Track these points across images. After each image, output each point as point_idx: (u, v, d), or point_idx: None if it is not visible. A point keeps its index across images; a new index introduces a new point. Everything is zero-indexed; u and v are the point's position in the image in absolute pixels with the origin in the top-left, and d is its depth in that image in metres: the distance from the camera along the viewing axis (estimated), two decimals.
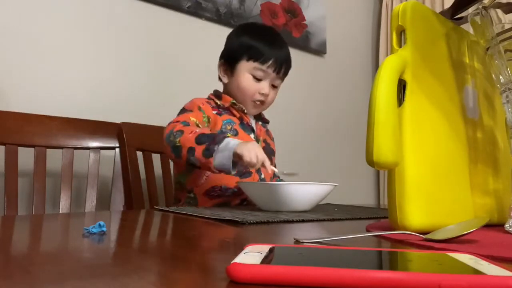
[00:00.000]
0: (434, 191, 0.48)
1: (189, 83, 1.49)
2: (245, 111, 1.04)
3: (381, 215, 0.73)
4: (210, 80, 1.10)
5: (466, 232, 0.39)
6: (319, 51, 2.00)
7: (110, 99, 1.33)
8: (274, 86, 1.05)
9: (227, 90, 1.06)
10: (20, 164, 0.99)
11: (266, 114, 1.15)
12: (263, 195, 0.76)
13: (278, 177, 1.12)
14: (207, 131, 0.89)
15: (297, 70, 1.85)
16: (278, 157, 1.17)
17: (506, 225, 0.48)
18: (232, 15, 1.64)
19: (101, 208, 1.16)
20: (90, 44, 1.32)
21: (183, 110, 1.00)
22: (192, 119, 0.96)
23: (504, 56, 0.48)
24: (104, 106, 1.31)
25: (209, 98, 1.05)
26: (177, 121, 0.94)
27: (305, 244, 0.38)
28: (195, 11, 1.54)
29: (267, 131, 1.15)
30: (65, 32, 1.27)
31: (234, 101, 1.03)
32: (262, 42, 1.01)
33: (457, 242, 0.39)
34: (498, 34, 0.48)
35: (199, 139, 0.84)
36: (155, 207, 0.84)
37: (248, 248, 0.29)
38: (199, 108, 0.99)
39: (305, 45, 1.92)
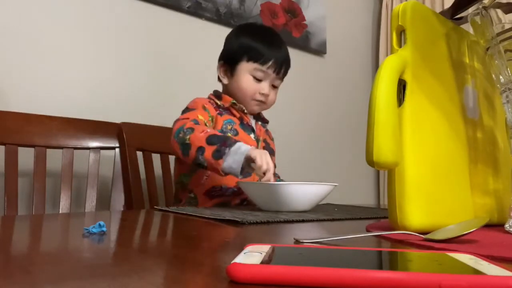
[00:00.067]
0: (434, 191, 0.48)
1: (189, 83, 1.49)
2: (245, 111, 1.05)
3: (381, 215, 0.73)
4: (210, 80, 1.10)
5: (466, 232, 0.39)
6: (319, 51, 2.00)
7: (110, 99, 1.33)
8: (274, 86, 1.05)
9: (227, 90, 1.06)
10: (20, 164, 0.99)
11: (266, 114, 1.15)
12: (263, 195, 0.76)
13: (279, 176, 1.12)
14: (218, 132, 0.89)
15: (297, 70, 1.85)
16: (278, 157, 1.17)
17: (506, 225, 0.48)
18: (232, 15, 1.64)
19: (101, 208, 1.16)
20: (90, 44, 1.32)
21: (188, 109, 1.00)
22: (201, 117, 0.96)
23: (504, 56, 0.48)
24: (104, 106, 1.31)
25: (209, 98, 1.05)
26: (187, 118, 0.93)
27: (305, 244, 0.38)
28: (195, 11, 1.54)
29: (267, 131, 1.15)
30: (65, 32, 1.27)
31: (234, 101, 1.03)
32: (262, 43, 1.01)
33: (457, 242, 0.39)
34: (498, 34, 0.48)
35: (210, 140, 0.84)
36: (155, 207, 0.84)
37: (248, 248, 0.29)
38: (204, 108, 0.99)
39: (305, 45, 1.92)
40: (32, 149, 1.01)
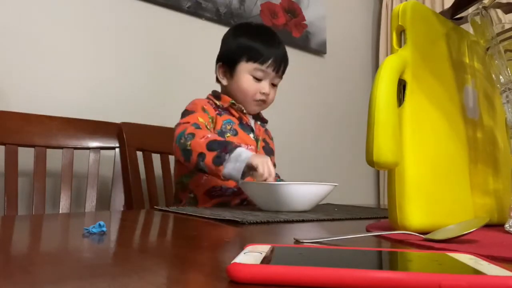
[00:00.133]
0: (434, 191, 0.48)
1: (189, 83, 1.49)
2: (244, 111, 1.05)
3: (381, 215, 0.73)
4: (210, 80, 1.10)
5: (466, 232, 0.39)
6: (319, 51, 2.00)
7: (110, 99, 1.33)
8: (273, 85, 1.06)
9: (226, 91, 1.06)
10: (20, 164, 0.99)
11: (266, 113, 1.15)
12: (263, 195, 0.76)
13: (279, 176, 1.12)
14: (218, 137, 0.89)
15: (297, 70, 1.86)
16: (278, 157, 1.17)
17: (506, 225, 0.48)
18: (232, 15, 1.64)
19: (101, 208, 1.16)
20: (90, 44, 1.32)
21: (187, 112, 1.00)
22: (201, 120, 0.96)
23: (504, 56, 0.48)
24: (104, 106, 1.31)
25: (208, 98, 1.05)
26: (187, 122, 0.94)
27: (305, 244, 0.38)
28: (195, 11, 1.54)
29: (266, 130, 1.15)
30: (65, 32, 1.27)
31: (233, 101, 1.03)
32: (260, 42, 1.01)
33: (457, 242, 0.39)
34: (498, 34, 0.48)
35: (211, 146, 0.84)
36: (155, 207, 0.84)
37: (248, 248, 0.29)
38: (203, 109, 0.99)
39: (305, 45, 1.92)
40: (32, 149, 1.02)
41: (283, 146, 1.39)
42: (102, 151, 1.13)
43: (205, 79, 1.18)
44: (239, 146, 0.85)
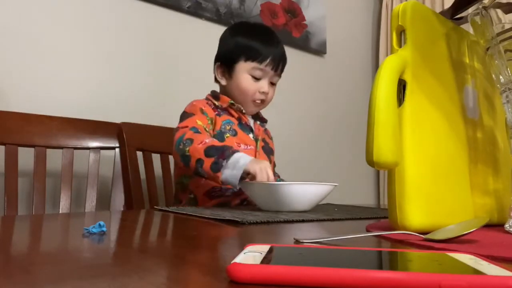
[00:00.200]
0: (434, 191, 0.48)
1: (189, 83, 1.49)
2: (243, 111, 1.05)
3: (381, 215, 0.73)
4: (210, 80, 1.10)
5: (466, 232, 0.39)
6: (319, 51, 2.00)
7: (110, 99, 1.33)
8: (272, 84, 1.06)
9: (225, 91, 1.06)
10: (20, 164, 0.99)
11: (266, 113, 1.15)
12: (263, 195, 0.76)
13: (279, 176, 1.12)
14: (216, 142, 0.89)
15: (297, 70, 1.86)
16: (278, 157, 1.17)
17: (506, 225, 0.48)
18: (232, 15, 1.64)
19: (101, 208, 1.16)
20: (90, 44, 1.32)
21: (186, 114, 0.99)
22: (199, 123, 0.96)
23: (504, 56, 0.48)
24: (104, 106, 1.31)
25: (207, 99, 1.05)
26: (186, 127, 0.94)
27: (305, 244, 0.38)
28: (195, 11, 1.54)
29: (266, 130, 1.15)
30: (65, 32, 1.27)
31: (232, 102, 1.03)
32: (258, 41, 1.01)
33: (457, 242, 0.39)
34: (498, 34, 0.48)
35: (208, 152, 0.85)
36: (155, 207, 0.84)
37: (248, 248, 0.29)
38: (202, 111, 0.99)
39: (305, 45, 1.92)
40: (32, 149, 1.01)
41: (283, 146, 1.39)
42: (102, 151, 1.13)
43: (205, 79, 1.18)
44: (237, 151, 0.85)
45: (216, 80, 1.08)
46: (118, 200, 1.13)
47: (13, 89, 1.16)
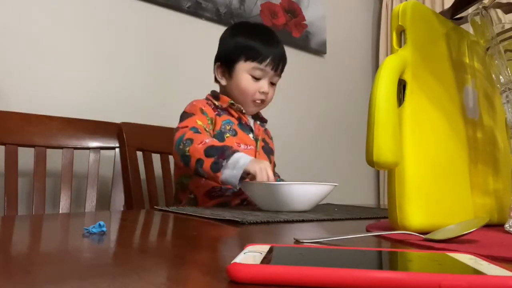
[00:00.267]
0: (434, 191, 0.48)
1: (189, 83, 1.49)
2: (243, 111, 1.05)
3: (381, 215, 0.73)
4: (210, 80, 1.10)
5: (466, 232, 0.39)
6: (319, 51, 2.00)
7: (110, 99, 1.33)
8: (272, 84, 1.06)
9: (225, 91, 1.06)
10: (20, 164, 0.99)
11: (266, 113, 1.15)
12: (263, 195, 0.76)
13: (279, 176, 1.12)
14: (216, 142, 0.89)
15: (297, 70, 1.86)
16: (278, 157, 1.17)
17: (506, 225, 0.48)
18: (232, 15, 1.64)
19: (101, 208, 1.16)
20: (90, 44, 1.32)
21: (186, 114, 0.99)
22: (199, 123, 0.96)
23: (504, 56, 0.48)
24: (104, 106, 1.31)
25: (207, 99, 1.05)
26: (186, 127, 0.94)
27: (305, 244, 0.38)
28: (195, 11, 1.54)
29: (266, 130, 1.15)
30: (65, 32, 1.27)
31: (232, 102, 1.03)
32: (258, 41, 1.01)
33: (457, 242, 0.39)
34: (498, 34, 0.48)
35: (208, 152, 0.85)
36: (155, 207, 0.84)
37: (248, 248, 0.29)
38: (202, 111, 0.99)
39: (305, 45, 1.92)
40: (32, 149, 1.02)
41: (283, 146, 1.39)
42: (102, 151, 1.13)
43: (205, 79, 1.18)
44: (237, 151, 0.85)
45: (216, 80, 1.08)
46: (118, 200, 1.13)
47: (13, 89, 1.16)
